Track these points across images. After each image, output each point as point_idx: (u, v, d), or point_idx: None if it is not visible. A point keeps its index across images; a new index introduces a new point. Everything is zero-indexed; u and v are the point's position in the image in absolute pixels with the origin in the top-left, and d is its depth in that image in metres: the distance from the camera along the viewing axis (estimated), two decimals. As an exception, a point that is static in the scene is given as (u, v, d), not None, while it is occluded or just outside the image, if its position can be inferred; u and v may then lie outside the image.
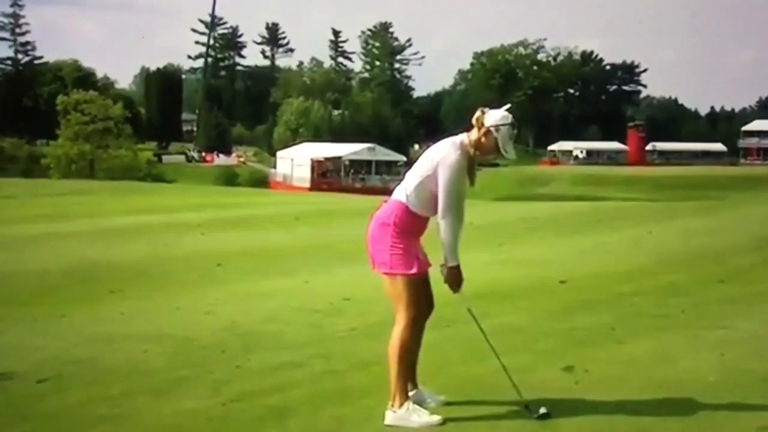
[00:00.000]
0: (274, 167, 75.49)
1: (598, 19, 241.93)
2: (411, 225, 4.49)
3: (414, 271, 4.43)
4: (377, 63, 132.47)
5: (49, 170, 57.81)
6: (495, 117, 4.52)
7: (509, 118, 4.53)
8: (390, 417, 4.41)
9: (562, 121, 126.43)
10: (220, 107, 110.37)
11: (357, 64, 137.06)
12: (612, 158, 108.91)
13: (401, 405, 4.41)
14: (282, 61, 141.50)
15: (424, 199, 4.47)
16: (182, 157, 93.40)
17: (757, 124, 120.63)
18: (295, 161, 68.97)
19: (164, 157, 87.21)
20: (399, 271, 4.44)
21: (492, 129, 4.48)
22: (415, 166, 4.59)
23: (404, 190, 4.54)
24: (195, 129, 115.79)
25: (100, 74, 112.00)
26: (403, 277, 4.43)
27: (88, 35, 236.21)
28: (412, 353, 4.50)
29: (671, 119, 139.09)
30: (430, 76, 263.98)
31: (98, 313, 7.45)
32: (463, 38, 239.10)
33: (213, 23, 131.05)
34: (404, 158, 67.74)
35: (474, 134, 4.52)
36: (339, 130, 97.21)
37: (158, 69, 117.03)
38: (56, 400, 4.90)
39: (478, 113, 4.55)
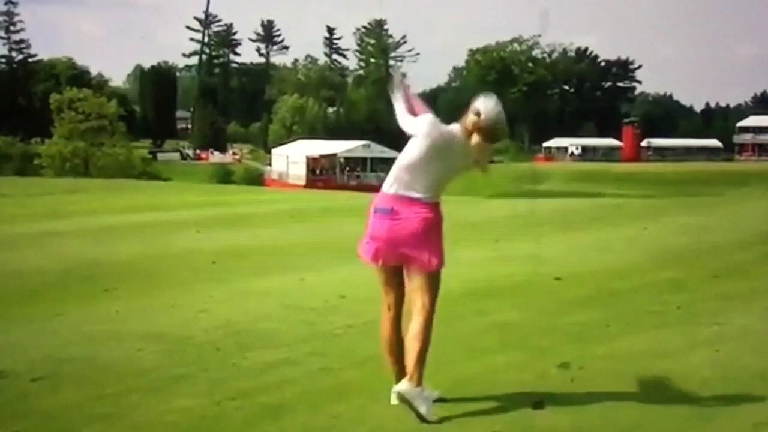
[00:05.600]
0: (269, 165, 75.40)
1: (593, 16, 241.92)
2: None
3: (360, 253, 4.63)
4: (372, 60, 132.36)
5: (43, 169, 57.70)
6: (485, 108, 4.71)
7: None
8: (405, 386, 4.35)
9: (557, 117, 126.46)
10: (215, 105, 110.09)
11: (352, 62, 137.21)
12: (607, 155, 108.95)
13: (419, 384, 4.37)
14: (277, 59, 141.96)
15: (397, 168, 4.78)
16: (177, 155, 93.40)
17: (752, 120, 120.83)
18: (291, 159, 68.91)
19: (159, 155, 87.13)
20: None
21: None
22: None
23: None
24: (190, 127, 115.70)
25: (94, 72, 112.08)
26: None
27: (81, 33, 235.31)
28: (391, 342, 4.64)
29: (666, 115, 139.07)
30: (425, 73, 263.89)
31: (93, 312, 7.42)
32: (458, 35, 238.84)
33: (207, 20, 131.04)
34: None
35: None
36: (334, 127, 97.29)
37: (152, 66, 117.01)
38: (51, 399, 4.88)
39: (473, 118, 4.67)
